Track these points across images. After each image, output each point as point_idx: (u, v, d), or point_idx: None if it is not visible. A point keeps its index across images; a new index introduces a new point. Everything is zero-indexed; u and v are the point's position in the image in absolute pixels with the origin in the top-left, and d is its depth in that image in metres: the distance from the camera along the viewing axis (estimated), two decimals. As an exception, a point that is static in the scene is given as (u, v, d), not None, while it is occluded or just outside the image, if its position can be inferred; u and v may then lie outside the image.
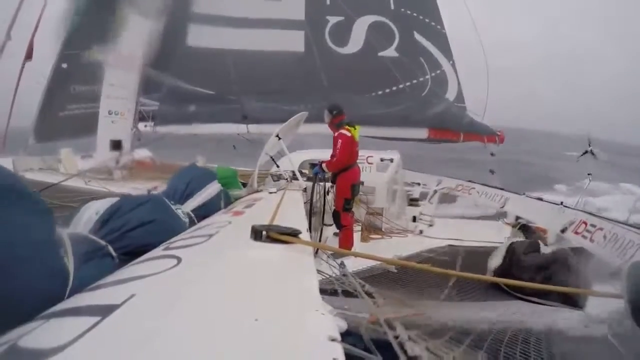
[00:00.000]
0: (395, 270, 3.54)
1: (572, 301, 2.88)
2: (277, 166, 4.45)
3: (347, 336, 0.84)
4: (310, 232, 2.71)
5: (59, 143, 7.38)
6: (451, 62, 9.39)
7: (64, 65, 7.52)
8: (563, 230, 3.73)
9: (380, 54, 9.01)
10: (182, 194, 2.20)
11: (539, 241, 3.81)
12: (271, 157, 4.38)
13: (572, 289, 2.72)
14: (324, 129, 4.85)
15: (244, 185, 3.65)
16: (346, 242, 4.55)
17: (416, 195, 6.87)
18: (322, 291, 1.06)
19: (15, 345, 0.71)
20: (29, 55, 6.84)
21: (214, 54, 8.54)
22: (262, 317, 0.81)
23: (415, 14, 9.46)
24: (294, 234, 1.43)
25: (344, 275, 1.62)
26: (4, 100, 6.88)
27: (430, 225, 5.98)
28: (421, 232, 5.72)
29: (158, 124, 8.06)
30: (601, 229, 3.27)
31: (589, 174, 6.18)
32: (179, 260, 1.15)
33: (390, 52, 9.08)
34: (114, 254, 1.37)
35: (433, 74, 9.14)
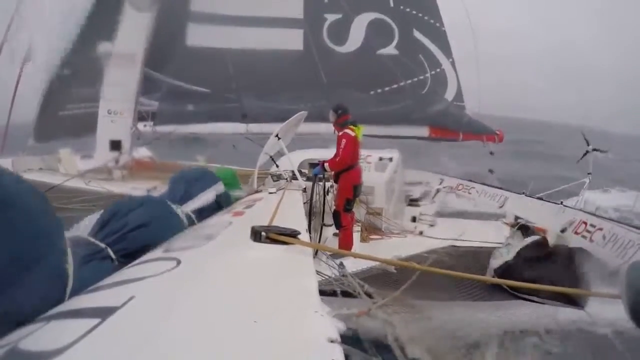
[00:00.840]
0: (395, 271, 3.54)
1: (573, 301, 2.89)
2: (277, 166, 4.44)
3: (347, 337, 0.84)
4: (310, 232, 2.71)
5: (58, 143, 7.36)
6: (450, 60, 9.38)
7: (64, 66, 7.49)
8: (563, 230, 3.73)
9: (380, 51, 9.00)
10: (182, 194, 2.19)
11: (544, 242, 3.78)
12: (271, 157, 4.38)
13: (572, 289, 2.73)
14: (323, 127, 4.84)
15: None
16: (346, 242, 4.55)
17: (416, 195, 6.84)
18: (322, 292, 1.06)
19: (15, 347, 0.71)
20: (28, 56, 6.82)
21: (212, 52, 8.52)
22: (261, 319, 0.81)
23: (414, 12, 9.43)
24: (293, 234, 1.43)
25: (343, 275, 1.62)
26: (4, 100, 6.88)
27: (432, 225, 5.97)
28: (421, 232, 5.69)
29: (157, 124, 8.05)
30: (601, 229, 3.27)
31: (588, 174, 6.18)
32: (179, 262, 1.15)
33: (390, 49, 9.07)
34: (113, 256, 1.37)
35: (433, 72, 9.13)
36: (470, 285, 3.30)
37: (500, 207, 5.03)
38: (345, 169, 4.44)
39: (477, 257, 4.06)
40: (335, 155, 4.40)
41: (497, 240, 4.36)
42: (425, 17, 9.45)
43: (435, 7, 9.59)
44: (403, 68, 8.89)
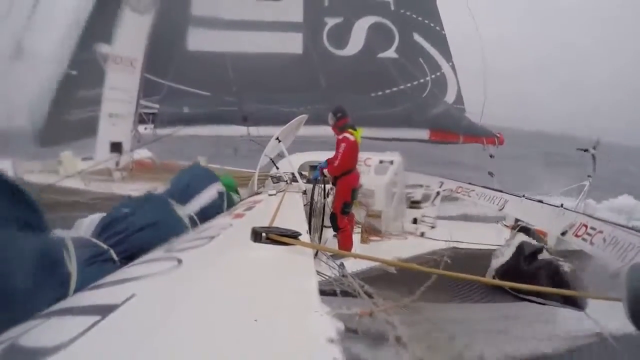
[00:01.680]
0: (395, 272, 3.53)
1: (573, 302, 2.88)
2: (277, 168, 4.45)
3: (347, 337, 0.84)
4: (310, 233, 2.71)
5: (61, 147, 7.35)
6: (450, 63, 9.41)
7: (69, 69, 7.50)
8: (563, 233, 3.72)
9: (380, 55, 9.03)
10: (184, 194, 2.19)
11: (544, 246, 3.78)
12: (271, 159, 4.38)
13: (572, 292, 2.72)
14: (322, 130, 4.85)
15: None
16: (346, 243, 4.55)
17: (418, 197, 6.85)
18: (322, 292, 1.06)
19: (15, 343, 0.71)
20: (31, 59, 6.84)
21: (213, 56, 8.55)
22: (261, 318, 0.81)
23: (414, 15, 9.47)
24: (294, 235, 1.43)
25: (343, 276, 1.62)
26: (4, 101, 6.87)
27: (433, 227, 5.97)
28: (422, 234, 5.70)
29: (158, 127, 8.06)
30: (601, 231, 3.26)
31: (588, 176, 6.17)
32: (180, 261, 1.15)
33: (390, 53, 9.10)
34: (115, 258, 1.37)
35: (433, 76, 9.16)
36: (470, 286, 3.30)
37: (500, 209, 5.02)
38: (343, 173, 4.45)
39: (479, 259, 4.05)
40: (334, 159, 4.40)
41: (498, 242, 4.36)
42: (426, 21, 9.50)
43: (436, 10, 9.64)
44: (403, 71, 8.92)
